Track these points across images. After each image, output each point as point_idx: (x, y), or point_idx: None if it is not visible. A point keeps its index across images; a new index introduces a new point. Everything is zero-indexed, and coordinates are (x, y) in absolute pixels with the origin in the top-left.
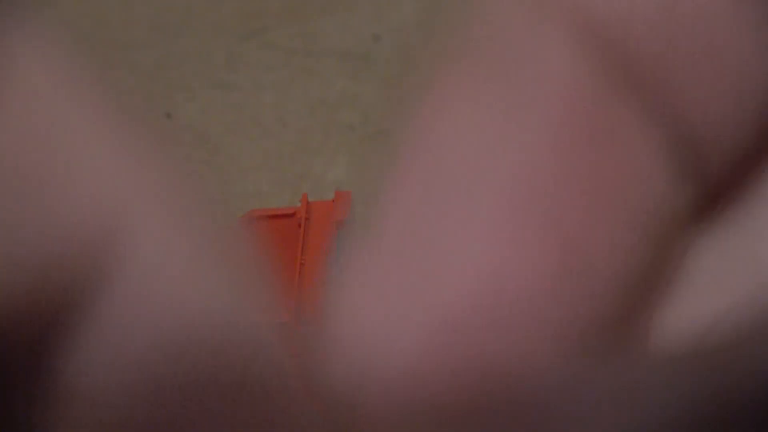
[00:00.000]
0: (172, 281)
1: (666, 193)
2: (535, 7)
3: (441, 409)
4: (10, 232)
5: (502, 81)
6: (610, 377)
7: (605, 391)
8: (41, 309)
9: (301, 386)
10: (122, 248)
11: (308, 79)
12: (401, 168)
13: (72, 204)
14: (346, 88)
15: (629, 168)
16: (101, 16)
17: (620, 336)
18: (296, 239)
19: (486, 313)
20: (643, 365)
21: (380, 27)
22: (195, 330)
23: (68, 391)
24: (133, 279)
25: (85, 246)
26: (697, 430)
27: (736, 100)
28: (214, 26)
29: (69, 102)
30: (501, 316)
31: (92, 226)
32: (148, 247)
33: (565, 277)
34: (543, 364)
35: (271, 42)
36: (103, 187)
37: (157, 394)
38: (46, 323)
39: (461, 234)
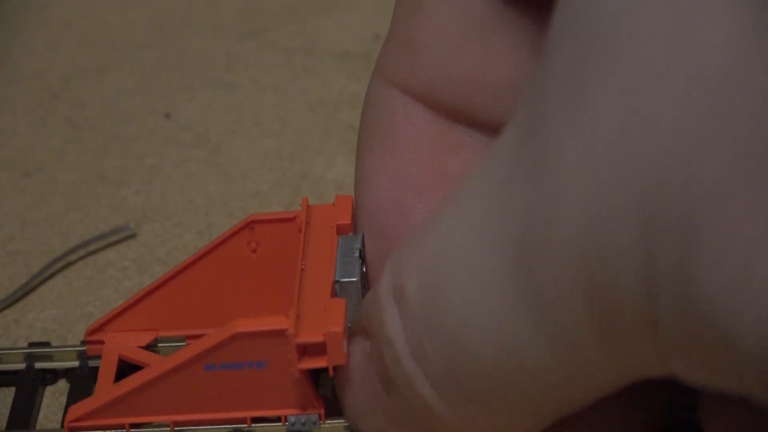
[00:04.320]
0: None
1: None
2: None
3: None
4: None
5: None
6: None
7: None
8: None
9: None
10: None
11: (308, 79)
12: None
13: None
14: (346, 88)
15: None
16: (101, 16)
17: None
18: (297, 244)
19: None
20: None
21: (380, 27)
22: None
23: None
24: None
25: None
26: None
27: None
28: (214, 26)
29: None
30: None
31: None
32: None
33: None
34: None
35: (271, 42)
36: None
37: None
38: None
39: None
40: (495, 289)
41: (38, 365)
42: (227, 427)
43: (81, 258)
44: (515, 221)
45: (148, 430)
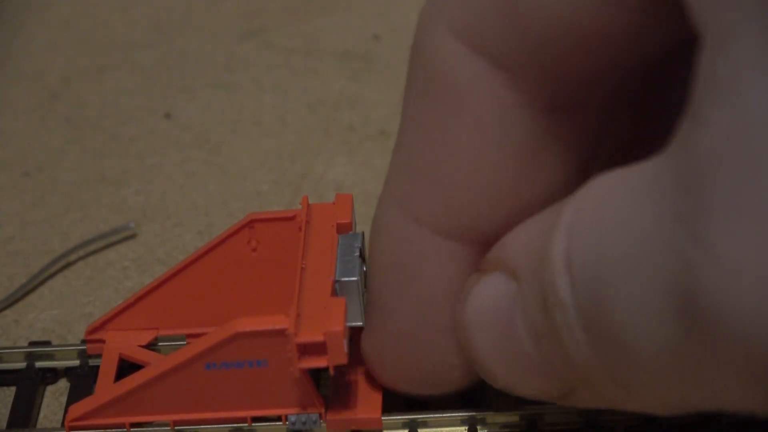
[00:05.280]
0: None
1: None
2: None
3: None
4: None
5: None
6: None
7: None
8: None
9: None
10: None
11: (308, 79)
12: None
13: None
14: (346, 88)
15: None
16: (101, 16)
17: None
18: (297, 243)
19: None
20: None
21: (380, 27)
22: None
23: None
24: None
25: None
26: None
27: None
28: (214, 26)
29: None
30: None
31: None
32: None
33: None
34: None
35: (271, 42)
36: None
37: None
38: None
39: None
40: (655, 311)
41: (38, 364)
42: (228, 426)
43: (81, 258)
44: (676, 269)
45: (149, 429)
